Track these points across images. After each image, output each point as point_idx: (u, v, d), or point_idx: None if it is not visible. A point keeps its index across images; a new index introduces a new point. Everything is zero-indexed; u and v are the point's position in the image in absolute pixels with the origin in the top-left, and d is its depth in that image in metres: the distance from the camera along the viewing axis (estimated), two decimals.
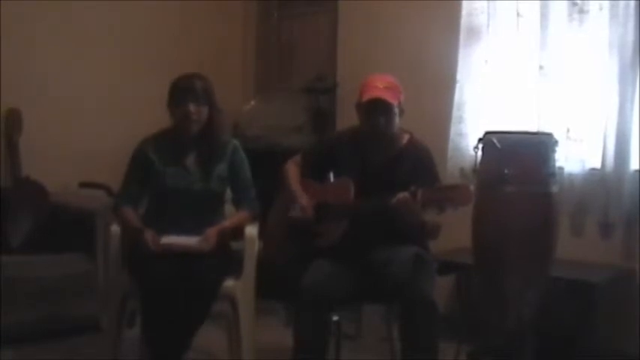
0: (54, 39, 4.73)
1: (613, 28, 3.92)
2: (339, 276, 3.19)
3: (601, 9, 3.97)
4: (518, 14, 4.25)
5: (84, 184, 4.63)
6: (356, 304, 3.99)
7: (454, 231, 3.62)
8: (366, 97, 3.25)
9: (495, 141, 3.48)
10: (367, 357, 4.02)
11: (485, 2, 4.34)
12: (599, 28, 3.98)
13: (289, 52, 5.61)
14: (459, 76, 4.42)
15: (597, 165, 4.00)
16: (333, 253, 3.25)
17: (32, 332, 3.96)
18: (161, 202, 3.48)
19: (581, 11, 4.03)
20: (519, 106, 4.26)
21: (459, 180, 4.27)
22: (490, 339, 3.89)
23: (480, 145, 3.57)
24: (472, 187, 2.94)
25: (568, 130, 4.05)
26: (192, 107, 3.38)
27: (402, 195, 3.00)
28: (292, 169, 3.54)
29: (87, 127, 4.82)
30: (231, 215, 3.57)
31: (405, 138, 3.40)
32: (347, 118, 3.98)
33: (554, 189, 3.53)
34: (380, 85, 3.26)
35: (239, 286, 3.43)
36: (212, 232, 3.35)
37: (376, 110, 3.25)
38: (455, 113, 4.43)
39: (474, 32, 4.39)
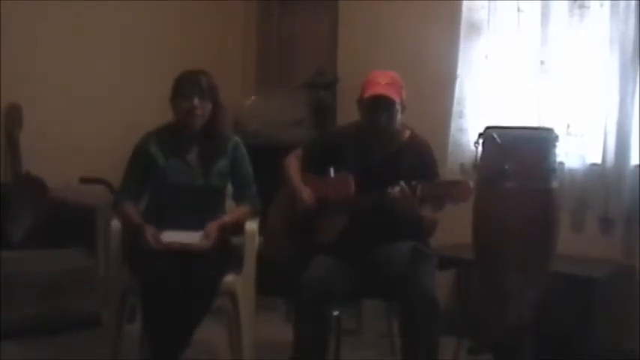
0: (54, 35, 4.73)
1: (614, 23, 3.91)
2: (339, 272, 3.19)
3: (602, 5, 3.97)
4: (518, 10, 4.24)
5: (84, 180, 4.63)
6: (356, 299, 4.00)
7: (454, 226, 3.62)
8: (368, 93, 3.25)
9: (496, 136, 3.48)
10: (367, 353, 4.03)
11: None
12: (600, 23, 3.98)
13: (290, 47, 5.60)
14: (459, 72, 4.41)
15: (598, 160, 4.00)
16: (334, 249, 3.25)
17: (32, 328, 3.97)
18: (162, 198, 3.48)
19: (582, 7, 4.03)
20: (520, 102, 4.26)
21: (460, 176, 4.27)
22: (490, 334, 3.89)
23: (481, 141, 3.56)
24: (472, 183, 2.94)
25: (568, 126, 4.05)
26: (196, 102, 3.39)
27: (400, 187, 2.99)
28: (293, 163, 3.54)
29: (87, 123, 4.82)
30: (232, 210, 3.57)
31: (407, 134, 3.40)
32: (348, 114, 3.98)
33: (555, 184, 3.53)
34: (382, 82, 3.25)
35: (239, 282, 3.43)
36: (212, 227, 3.36)
37: (378, 107, 3.25)
38: (455, 109, 4.43)
39: (475, 28, 4.38)
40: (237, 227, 3.50)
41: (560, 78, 4.09)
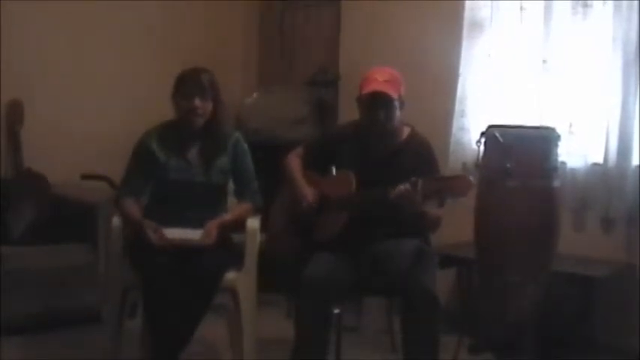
0: (55, 30, 4.72)
1: (617, 22, 3.91)
2: (340, 269, 3.19)
3: (605, 4, 3.97)
4: (521, 8, 4.24)
5: (86, 176, 4.63)
6: (357, 297, 4.00)
7: (456, 225, 3.62)
8: (366, 90, 3.24)
9: (498, 135, 3.48)
10: (368, 350, 4.03)
11: None
12: (603, 22, 3.97)
13: (292, 45, 5.60)
14: (461, 70, 4.41)
15: (599, 160, 4.00)
16: (335, 246, 3.25)
17: (33, 323, 3.96)
18: (163, 195, 3.48)
19: (585, 5, 4.02)
20: (522, 101, 4.25)
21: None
22: (491, 333, 3.89)
23: (483, 140, 3.56)
24: (472, 178, 2.92)
25: (570, 125, 4.04)
26: (197, 101, 3.39)
27: (402, 186, 2.99)
28: (294, 162, 3.54)
29: (89, 119, 4.82)
30: (233, 207, 3.57)
31: (406, 131, 3.39)
32: (349, 111, 3.97)
33: (556, 183, 3.53)
34: (380, 79, 3.25)
35: (240, 279, 3.43)
36: (213, 225, 3.35)
37: (376, 104, 3.24)
38: (457, 107, 4.43)
39: (477, 26, 4.37)
40: (238, 225, 3.50)
41: (563, 77, 4.09)
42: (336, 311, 3.25)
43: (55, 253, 4.18)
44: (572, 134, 4.04)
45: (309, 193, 3.39)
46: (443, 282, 3.62)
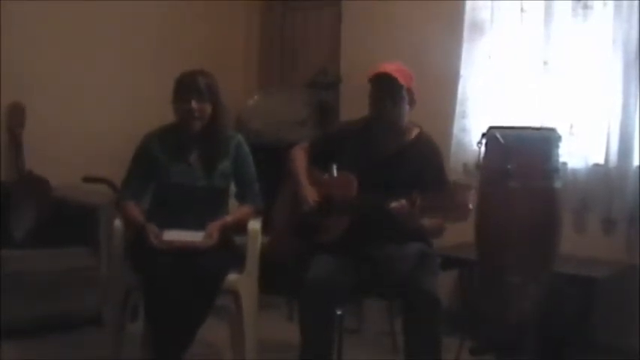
0: (57, 33, 4.72)
1: (617, 24, 3.91)
2: (342, 271, 3.19)
3: (605, 5, 3.97)
4: (522, 9, 4.24)
5: (87, 179, 4.63)
6: (358, 298, 4.00)
7: (457, 226, 3.61)
8: (373, 72, 3.24)
9: (499, 136, 3.48)
10: (369, 351, 4.03)
11: None
12: (603, 23, 3.98)
13: (293, 47, 5.60)
14: (462, 71, 4.42)
15: (600, 161, 4.00)
16: (337, 248, 3.24)
17: (34, 326, 3.96)
18: (164, 198, 3.48)
19: (586, 7, 4.03)
20: (523, 102, 4.26)
21: (463, 175, 4.27)
22: (492, 334, 3.89)
23: (484, 141, 3.56)
24: (471, 206, 2.89)
25: (571, 126, 4.05)
26: (194, 104, 3.37)
27: (400, 202, 2.97)
28: (300, 157, 3.51)
29: (90, 122, 4.82)
30: (235, 210, 3.57)
31: (414, 132, 3.36)
32: (350, 113, 3.98)
33: (558, 184, 3.53)
34: (390, 67, 3.24)
35: (242, 281, 3.43)
36: (214, 227, 3.35)
37: (383, 87, 3.23)
38: (458, 108, 4.43)
39: (478, 27, 4.38)
40: (240, 226, 3.50)
41: (564, 78, 4.10)
42: (338, 313, 3.25)
43: (56, 256, 4.18)
44: (573, 135, 4.04)
45: (311, 195, 3.39)
46: (444, 283, 3.62)
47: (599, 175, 3.99)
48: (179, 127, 3.47)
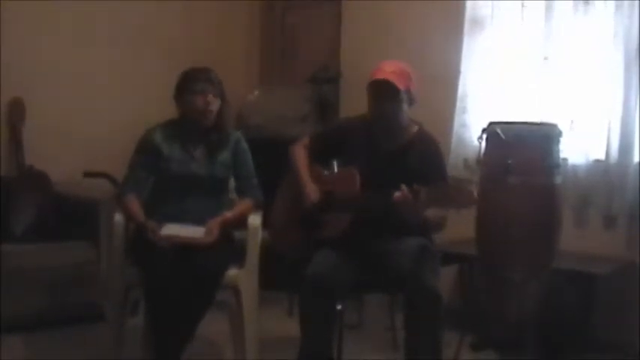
0: (57, 27, 4.72)
1: (618, 19, 3.91)
2: (343, 266, 3.19)
3: (606, 1, 3.96)
4: (522, 5, 4.24)
5: (88, 174, 4.63)
6: (359, 294, 4.00)
7: (458, 222, 3.61)
8: (371, 78, 3.24)
9: (499, 132, 3.48)
10: (370, 347, 4.03)
11: None
12: (604, 19, 3.98)
13: (293, 42, 5.60)
14: (462, 67, 4.41)
15: (601, 157, 4.00)
16: (338, 243, 3.24)
17: (35, 321, 3.97)
18: (165, 188, 3.48)
19: (586, 3, 4.03)
20: (523, 97, 4.25)
21: (463, 171, 4.27)
22: (493, 330, 3.90)
23: (484, 136, 3.56)
24: (475, 192, 2.90)
25: (572, 122, 4.05)
26: (211, 98, 3.43)
27: (402, 192, 2.96)
28: (301, 153, 3.51)
29: (91, 117, 4.81)
30: (235, 204, 3.57)
31: (414, 129, 3.37)
32: (350, 109, 3.98)
33: (558, 180, 3.53)
34: (388, 70, 3.24)
35: (242, 276, 3.44)
36: (214, 223, 3.35)
37: (379, 92, 3.23)
38: (459, 104, 4.43)
39: (478, 23, 4.37)
40: (240, 222, 3.51)
41: (564, 74, 4.09)
42: (338, 308, 3.25)
43: (56, 251, 4.18)
44: (574, 131, 4.04)
45: (312, 191, 3.39)
46: (445, 279, 3.60)
47: (600, 171, 3.99)
48: (188, 121, 3.48)
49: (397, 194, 2.98)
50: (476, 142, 3.67)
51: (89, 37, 4.84)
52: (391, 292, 3.48)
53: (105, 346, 3.56)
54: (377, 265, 3.23)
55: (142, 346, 3.52)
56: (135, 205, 3.43)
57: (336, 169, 3.48)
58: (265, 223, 3.56)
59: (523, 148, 3.46)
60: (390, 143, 3.34)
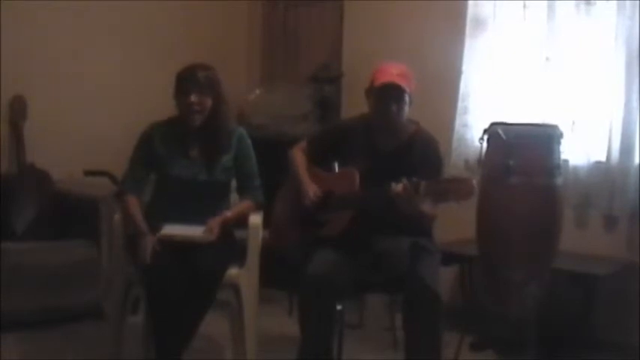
0: (59, 26, 4.71)
1: (620, 20, 3.91)
2: (342, 266, 3.19)
3: (608, 1, 3.96)
4: (524, 5, 4.24)
5: (88, 172, 4.63)
6: (359, 293, 4.00)
7: (458, 222, 3.62)
8: (380, 81, 3.23)
9: (501, 132, 3.48)
10: (370, 347, 4.03)
11: None
12: (606, 20, 3.97)
13: (295, 41, 5.60)
14: (464, 67, 4.41)
15: (602, 158, 4.00)
16: (338, 242, 3.24)
17: (35, 319, 3.97)
18: (165, 192, 3.47)
19: (588, 3, 4.03)
20: (525, 98, 4.25)
21: (464, 171, 4.27)
22: (493, 330, 3.90)
23: (485, 137, 3.57)
24: (475, 182, 2.91)
25: (573, 123, 4.05)
26: (193, 98, 3.35)
27: (401, 183, 2.98)
28: (299, 156, 3.52)
29: (92, 115, 4.81)
30: (236, 204, 3.56)
31: (412, 128, 3.37)
32: (352, 108, 3.98)
33: (559, 181, 3.54)
34: (394, 72, 3.24)
35: (243, 275, 3.44)
36: (215, 223, 3.34)
37: (389, 95, 3.23)
38: (460, 104, 4.43)
39: (480, 23, 4.37)
40: (240, 221, 3.50)
41: (566, 74, 4.09)
42: (339, 308, 3.25)
43: (57, 249, 4.18)
44: (575, 132, 4.04)
45: (312, 190, 3.39)
46: (445, 279, 3.62)
47: (601, 172, 3.98)
48: (180, 122, 3.46)
49: (397, 186, 2.98)
50: (477, 143, 3.67)
51: (90, 36, 4.84)
52: (391, 291, 3.48)
53: (105, 343, 3.56)
54: (377, 265, 3.23)
55: (143, 344, 3.51)
56: (135, 209, 3.40)
57: (336, 169, 3.48)
58: (266, 223, 3.56)
59: (524, 149, 3.46)
60: (390, 143, 3.34)
